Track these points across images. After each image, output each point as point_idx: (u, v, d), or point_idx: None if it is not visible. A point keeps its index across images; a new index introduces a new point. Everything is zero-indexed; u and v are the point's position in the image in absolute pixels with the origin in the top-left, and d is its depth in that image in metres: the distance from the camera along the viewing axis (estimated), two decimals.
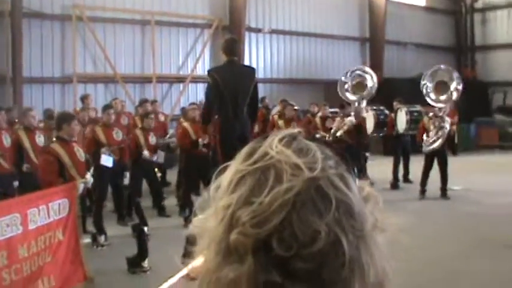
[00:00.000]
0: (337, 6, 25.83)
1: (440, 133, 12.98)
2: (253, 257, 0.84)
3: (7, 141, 9.86)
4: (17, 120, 11.73)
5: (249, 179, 0.89)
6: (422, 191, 13.38)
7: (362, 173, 14.25)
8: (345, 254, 0.86)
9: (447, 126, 12.90)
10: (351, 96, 13.57)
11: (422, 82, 13.27)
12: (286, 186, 0.86)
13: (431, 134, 13.13)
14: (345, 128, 13.71)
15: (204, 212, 0.97)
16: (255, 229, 0.84)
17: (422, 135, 13.34)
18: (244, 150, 0.95)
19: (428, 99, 13.13)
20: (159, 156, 12.10)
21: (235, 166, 0.94)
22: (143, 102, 14.67)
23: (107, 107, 11.51)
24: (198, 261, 1.01)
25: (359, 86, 13.69)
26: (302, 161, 0.89)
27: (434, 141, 12.98)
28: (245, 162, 0.92)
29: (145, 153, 11.47)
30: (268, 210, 0.85)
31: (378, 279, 0.91)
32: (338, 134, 13.69)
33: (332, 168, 0.91)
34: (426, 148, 13.20)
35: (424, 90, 13.05)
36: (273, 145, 0.92)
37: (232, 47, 8.04)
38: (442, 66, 13.87)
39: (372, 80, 13.73)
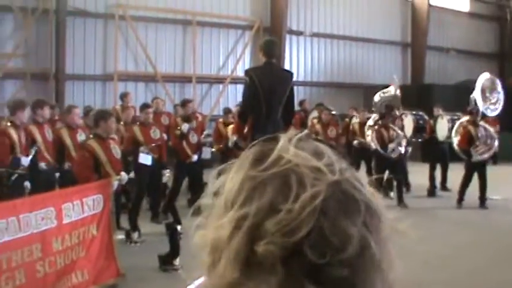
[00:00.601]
0: (379, 10, 25.66)
1: (489, 142, 12.83)
2: (283, 267, 0.81)
3: (49, 134, 10.02)
4: (57, 117, 11.90)
5: (269, 186, 0.85)
6: (460, 200, 13.13)
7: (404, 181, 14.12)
8: (374, 256, 0.85)
9: (496, 136, 12.77)
10: None
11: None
12: (312, 192, 0.83)
13: (479, 142, 12.94)
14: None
15: (206, 219, 0.93)
16: (286, 238, 0.81)
17: (465, 143, 13.14)
18: (251, 155, 0.91)
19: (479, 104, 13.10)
20: (205, 153, 12.10)
21: (243, 172, 0.89)
22: (186, 102, 14.53)
23: (145, 106, 11.56)
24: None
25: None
26: (321, 163, 0.87)
27: (484, 152, 12.82)
28: (256, 168, 0.88)
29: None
30: (298, 217, 0.82)
31: (392, 279, 0.91)
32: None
33: (347, 169, 0.90)
34: (476, 157, 12.98)
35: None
36: (287, 148, 0.89)
37: (272, 49, 8.00)
38: (489, 75, 13.77)
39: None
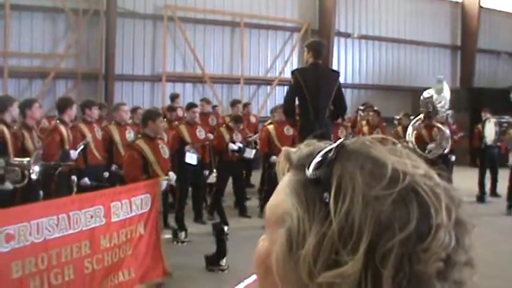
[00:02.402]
0: (428, 12, 25.32)
1: None
2: (439, 281, 0.82)
3: (99, 133, 10.18)
4: (105, 116, 12.08)
5: (410, 206, 0.82)
6: (510, 206, 12.87)
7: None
8: None
9: None
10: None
11: None
12: (444, 200, 0.84)
13: None
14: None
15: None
16: (445, 251, 0.82)
17: (505, 147, 12.86)
18: (358, 170, 0.85)
19: None
20: (248, 152, 12.08)
21: (359, 192, 0.83)
22: (235, 103, 14.63)
23: (190, 106, 11.63)
24: None
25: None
26: (424, 168, 0.88)
27: None
28: (375, 187, 0.83)
29: (231, 144, 11.56)
30: (448, 229, 0.82)
31: None
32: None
33: None
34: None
35: None
36: (392, 159, 0.87)
37: (319, 50, 7.99)
38: None
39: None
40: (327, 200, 0.84)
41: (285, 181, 0.94)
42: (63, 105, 9.41)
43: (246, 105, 15.61)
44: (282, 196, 0.92)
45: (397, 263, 0.79)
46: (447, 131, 12.76)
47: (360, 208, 0.81)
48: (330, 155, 0.88)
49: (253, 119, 15.72)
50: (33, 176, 7.53)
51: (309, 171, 0.88)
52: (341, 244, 0.81)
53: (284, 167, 0.98)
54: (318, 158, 0.89)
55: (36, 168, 7.63)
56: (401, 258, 0.79)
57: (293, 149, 0.97)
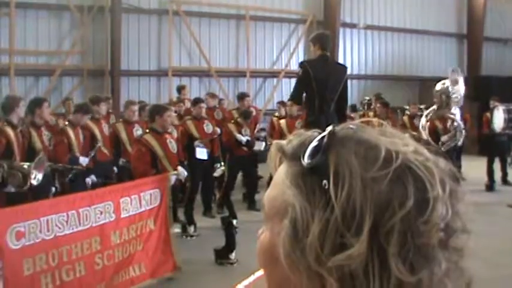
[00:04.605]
0: (433, 1, 25.15)
1: None
2: (442, 250, 0.86)
3: (106, 129, 10.16)
4: (111, 111, 12.07)
5: (407, 184, 0.84)
6: None
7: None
8: None
9: None
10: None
11: None
12: (437, 173, 0.87)
13: None
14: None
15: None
16: (444, 220, 0.85)
17: None
18: (352, 155, 0.87)
19: None
20: (258, 145, 12.09)
21: (357, 176, 0.85)
22: (243, 96, 14.41)
23: (197, 101, 11.62)
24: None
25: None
26: (414, 145, 0.91)
27: None
28: (371, 169, 0.85)
29: (238, 135, 11.54)
30: (444, 200, 0.85)
31: None
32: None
33: None
34: None
35: None
36: (386, 140, 0.89)
37: (326, 41, 7.96)
38: None
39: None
40: (327, 187, 0.86)
41: (282, 173, 0.95)
42: (77, 109, 9.45)
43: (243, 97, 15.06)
44: (281, 187, 0.94)
45: (400, 239, 0.82)
46: (461, 123, 12.59)
47: (360, 191, 0.84)
48: (324, 142, 0.90)
49: (253, 111, 15.57)
50: (34, 182, 7.31)
51: (305, 161, 0.91)
52: (345, 227, 0.84)
53: (276, 159, 1.00)
54: (311, 147, 0.91)
55: (39, 175, 7.39)
56: (404, 234, 0.82)
57: (284, 141, 0.99)
